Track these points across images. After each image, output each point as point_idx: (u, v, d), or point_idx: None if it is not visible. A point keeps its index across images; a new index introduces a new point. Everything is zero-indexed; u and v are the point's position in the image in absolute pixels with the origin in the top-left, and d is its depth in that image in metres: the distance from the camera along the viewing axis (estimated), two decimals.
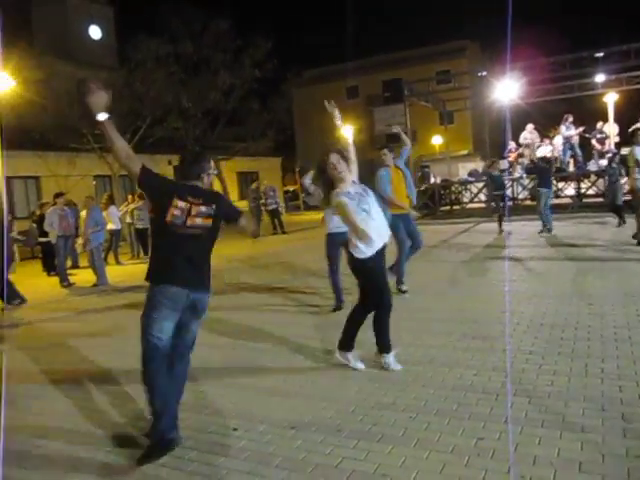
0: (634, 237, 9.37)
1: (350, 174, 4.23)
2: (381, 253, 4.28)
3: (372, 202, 4.21)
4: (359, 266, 4.25)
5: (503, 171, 13.89)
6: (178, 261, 3.27)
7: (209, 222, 3.33)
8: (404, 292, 7.01)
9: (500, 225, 12.96)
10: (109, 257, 13.49)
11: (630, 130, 10.95)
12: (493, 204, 13.90)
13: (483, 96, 18.99)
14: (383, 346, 4.40)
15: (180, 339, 3.39)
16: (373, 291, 4.34)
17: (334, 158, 4.17)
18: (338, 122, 4.83)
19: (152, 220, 3.43)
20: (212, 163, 3.48)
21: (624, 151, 13.92)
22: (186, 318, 3.36)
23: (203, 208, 3.29)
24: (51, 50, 27.17)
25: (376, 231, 4.14)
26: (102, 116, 3.23)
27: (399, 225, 6.69)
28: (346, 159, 4.24)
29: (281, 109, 26.58)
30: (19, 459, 3.38)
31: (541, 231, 11.99)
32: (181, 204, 3.24)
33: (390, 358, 4.38)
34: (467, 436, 3.16)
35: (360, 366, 4.41)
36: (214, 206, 3.35)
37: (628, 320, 5.13)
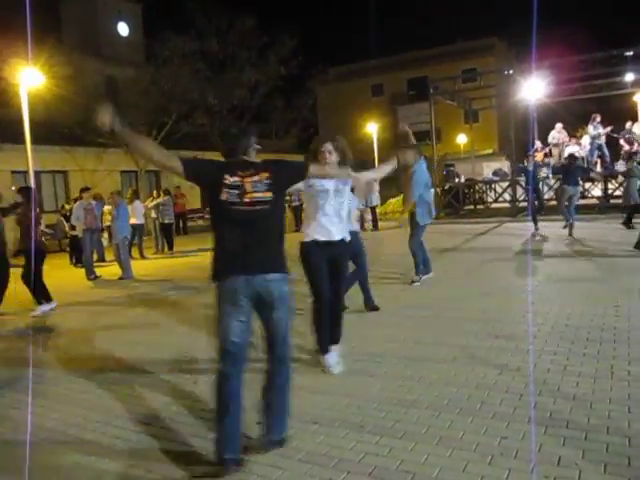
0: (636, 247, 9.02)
1: (336, 169, 4.02)
2: (324, 248, 4.30)
3: (333, 199, 4.28)
4: (300, 249, 4.40)
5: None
6: (236, 246, 2.95)
7: (269, 195, 2.97)
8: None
9: (536, 224, 12.64)
10: (133, 251, 13.68)
11: None
12: (536, 202, 13.39)
13: (509, 95, 18.78)
14: (319, 346, 4.38)
15: (269, 338, 3.11)
16: (309, 283, 4.40)
17: (327, 147, 4.23)
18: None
19: (210, 209, 3.08)
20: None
21: None
22: (262, 310, 3.04)
23: (257, 180, 2.96)
24: (80, 46, 27.64)
25: (319, 225, 4.27)
26: (116, 127, 2.91)
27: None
28: (343, 153, 4.28)
29: (305, 106, 26.63)
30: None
31: (565, 226, 11.88)
32: (233, 180, 2.93)
33: (328, 360, 4.31)
34: (490, 435, 3.16)
35: (334, 369, 4.33)
36: (269, 175, 3.00)
37: None
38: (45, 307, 7.68)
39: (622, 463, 2.78)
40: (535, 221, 12.73)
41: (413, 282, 7.61)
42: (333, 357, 4.39)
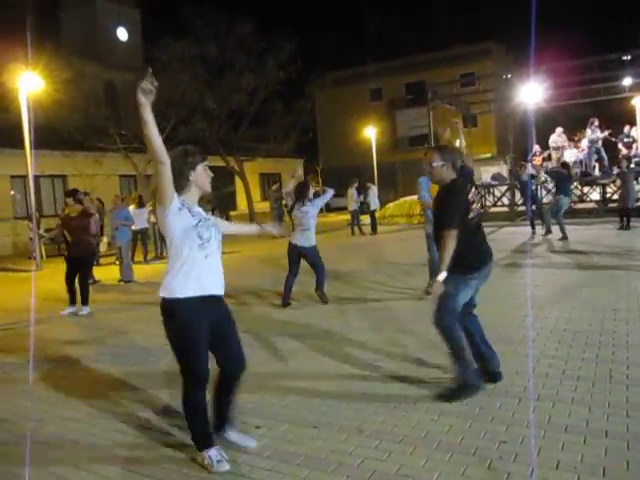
0: None
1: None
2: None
3: None
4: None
5: (534, 177, 13.93)
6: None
7: None
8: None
9: (533, 228, 13.14)
10: (136, 255, 13.69)
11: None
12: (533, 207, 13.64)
13: (507, 99, 18.84)
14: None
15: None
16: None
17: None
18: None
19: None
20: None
21: None
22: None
23: None
24: (79, 51, 27.66)
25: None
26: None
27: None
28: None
29: (304, 111, 26.63)
30: None
31: (546, 233, 12.10)
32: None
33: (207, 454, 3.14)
34: (489, 439, 3.16)
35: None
36: None
37: None
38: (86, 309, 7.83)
39: (621, 467, 2.78)
40: (532, 225, 12.97)
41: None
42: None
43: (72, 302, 7.86)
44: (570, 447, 3.00)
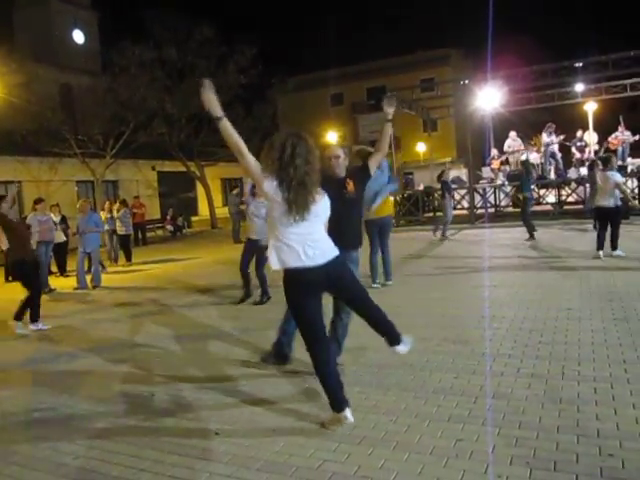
0: None
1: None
2: None
3: None
4: None
5: (453, 181, 14.88)
6: None
7: None
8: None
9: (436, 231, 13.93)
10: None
11: (600, 157, 11.41)
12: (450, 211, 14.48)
13: (466, 104, 19.20)
14: None
15: None
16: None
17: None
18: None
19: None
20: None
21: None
22: None
23: None
24: (33, 54, 27.01)
25: None
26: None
27: None
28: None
29: (266, 115, 26.62)
30: None
31: (531, 236, 12.07)
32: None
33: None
34: (446, 438, 3.21)
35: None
36: None
37: (604, 324, 5.23)
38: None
39: (571, 460, 2.87)
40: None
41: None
42: None
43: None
44: (523, 443, 3.07)
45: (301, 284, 3.38)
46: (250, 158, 3.25)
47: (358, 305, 3.67)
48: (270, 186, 3.26)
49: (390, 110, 4.11)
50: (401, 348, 3.69)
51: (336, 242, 3.50)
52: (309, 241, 3.32)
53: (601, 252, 8.88)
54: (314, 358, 3.48)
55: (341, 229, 3.81)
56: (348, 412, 3.41)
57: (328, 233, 3.49)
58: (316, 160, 3.38)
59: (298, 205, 3.24)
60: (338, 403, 3.43)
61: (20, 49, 27.27)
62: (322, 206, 3.39)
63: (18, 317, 7.03)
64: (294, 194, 3.24)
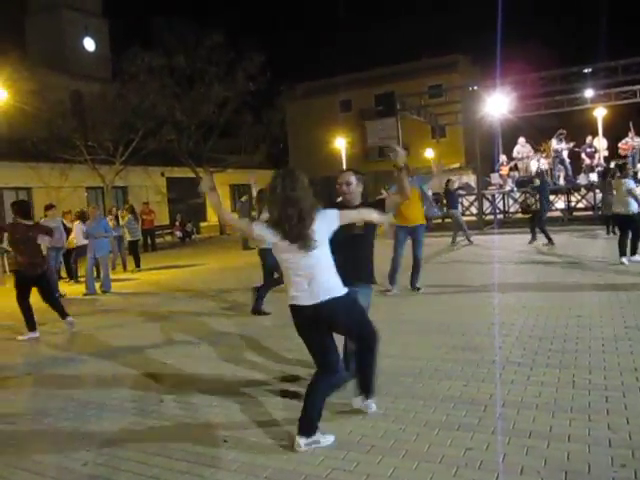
0: None
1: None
2: None
3: None
4: None
5: (457, 189, 14.95)
6: None
7: None
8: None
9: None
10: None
11: (617, 164, 11.45)
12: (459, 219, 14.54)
13: (474, 110, 19.18)
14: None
15: None
16: None
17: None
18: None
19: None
20: None
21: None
22: None
23: None
24: (45, 61, 27.31)
25: None
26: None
27: None
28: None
29: (274, 122, 26.66)
30: None
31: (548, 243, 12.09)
32: None
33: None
34: (456, 446, 3.19)
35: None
36: None
37: (615, 332, 5.19)
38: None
39: (583, 470, 2.84)
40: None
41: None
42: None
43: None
44: (534, 452, 3.05)
45: (296, 319, 3.37)
46: (243, 223, 3.60)
47: (354, 343, 3.70)
48: (260, 227, 3.34)
49: (400, 161, 3.76)
50: (365, 403, 3.74)
51: (343, 276, 3.36)
52: (306, 277, 3.24)
53: (624, 258, 8.89)
54: (313, 381, 3.46)
55: (348, 262, 3.57)
56: (302, 441, 3.30)
57: (336, 265, 3.33)
58: (303, 186, 3.43)
59: (293, 235, 3.18)
60: (306, 428, 3.34)
61: (32, 57, 27.62)
62: (320, 231, 3.24)
63: (63, 316, 7.30)
64: (286, 222, 3.20)
